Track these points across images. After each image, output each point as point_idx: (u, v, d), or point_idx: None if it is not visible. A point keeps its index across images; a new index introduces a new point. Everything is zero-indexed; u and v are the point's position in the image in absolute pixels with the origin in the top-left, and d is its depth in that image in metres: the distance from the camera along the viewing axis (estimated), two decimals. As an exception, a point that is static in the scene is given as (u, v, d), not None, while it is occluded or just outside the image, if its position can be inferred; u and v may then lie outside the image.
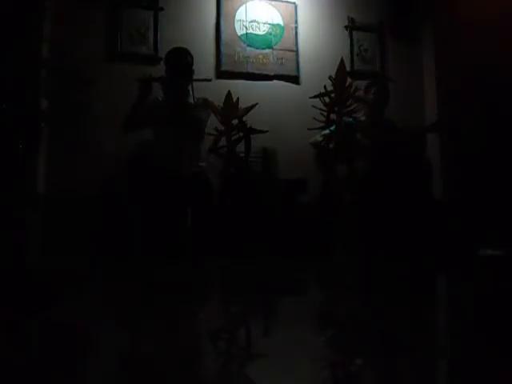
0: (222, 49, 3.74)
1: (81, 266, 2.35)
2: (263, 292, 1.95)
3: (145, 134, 3.03)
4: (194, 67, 3.01)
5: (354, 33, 4.11)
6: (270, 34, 3.87)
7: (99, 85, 3.14)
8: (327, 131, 3.27)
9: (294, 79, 3.90)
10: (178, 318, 1.46)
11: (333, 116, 3.26)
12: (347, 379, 0.93)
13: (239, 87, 3.58)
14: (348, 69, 3.68)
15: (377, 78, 3.86)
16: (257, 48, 3.83)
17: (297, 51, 3.91)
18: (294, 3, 3.97)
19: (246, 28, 3.82)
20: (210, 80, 3.11)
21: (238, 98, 3.25)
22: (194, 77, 2.99)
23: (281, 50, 3.88)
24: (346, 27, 4.10)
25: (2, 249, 2.38)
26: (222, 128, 3.23)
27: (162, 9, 3.64)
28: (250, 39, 3.82)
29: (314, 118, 3.23)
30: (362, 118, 3.35)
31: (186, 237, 2.82)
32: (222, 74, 3.71)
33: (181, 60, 2.95)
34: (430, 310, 1.67)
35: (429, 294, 2.00)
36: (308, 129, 3.26)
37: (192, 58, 3.00)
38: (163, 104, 2.94)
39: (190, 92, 2.98)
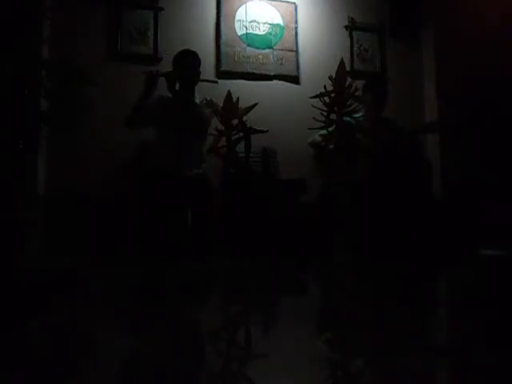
0: (222, 49, 3.74)
1: (81, 266, 2.35)
2: (263, 292, 1.95)
3: (145, 133, 3.03)
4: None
5: (354, 33, 4.11)
6: (270, 33, 3.87)
7: (99, 85, 3.13)
8: (325, 131, 3.27)
9: (294, 79, 3.90)
10: (178, 317, 1.46)
11: (333, 116, 3.26)
12: (347, 379, 0.93)
13: (239, 87, 3.58)
14: (348, 69, 3.68)
15: (375, 77, 3.87)
16: (257, 48, 3.83)
17: (297, 51, 3.91)
18: (294, 3, 3.97)
19: (246, 28, 3.82)
20: (216, 82, 3.17)
21: (238, 98, 3.25)
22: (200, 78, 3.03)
23: (281, 50, 3.88)
24: (346, 27, 4.10)
25: (2, 249, 2.38)
26: (222, 128, 3.23)
27: (161, 9, 3.64)
28: (249, 39, 3.82)
29: (314, 118, 3.23)
30: (362, 118, 3.35)
31: (187, 237, 2.82)
32: (222, 74, 3.71)
33: (192, 61, 2.99)
34: (430, 310, 1.67)
35: (428, 293, 2.00)
36: (308, 129, 3.26)
37: (200, 61, 3.03)
38: (169, 103, 2.94)
39: (195, 92, 3.01)
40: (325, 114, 3.26)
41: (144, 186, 2.76)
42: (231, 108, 3.22)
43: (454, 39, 3.93)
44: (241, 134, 3.22)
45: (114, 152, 3.23)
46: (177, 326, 1.33)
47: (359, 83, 3.40)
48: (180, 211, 2.90)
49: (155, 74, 2.83)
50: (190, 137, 2.91)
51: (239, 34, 3.80)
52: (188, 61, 2.98)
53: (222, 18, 3.77)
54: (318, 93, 3.29)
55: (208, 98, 3.09)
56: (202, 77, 3.04)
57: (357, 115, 3.30)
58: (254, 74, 3.79)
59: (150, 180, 2.77)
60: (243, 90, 3.54)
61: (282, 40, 3.89)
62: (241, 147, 3.22)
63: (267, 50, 3.85)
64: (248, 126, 3.18)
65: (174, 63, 3.03)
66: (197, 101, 3.02)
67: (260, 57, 3.82)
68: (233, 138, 3.23)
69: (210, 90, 3.18)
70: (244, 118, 3.20)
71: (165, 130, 2.94)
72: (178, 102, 2.95)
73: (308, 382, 0.88)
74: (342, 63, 3.37)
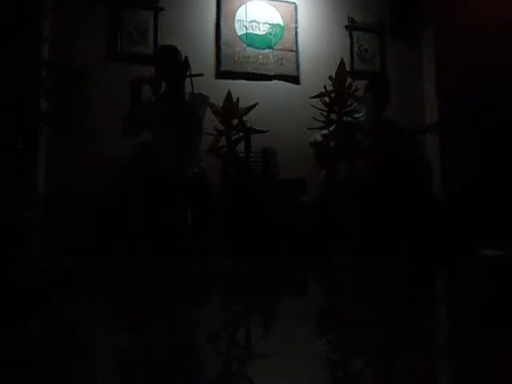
0: (222, 49, 3.74)
1: (81, 266, 2.35)
2: (263, 292, 1.95)
3: (145, 134, 3.03)
4: (190, 65, 2.86)
5: (354, 33, 4.11)
6: (270, 33, 3.87)
7: (99, 85, 3.13)
8: (326, 131, 3.28)
9: (294, 79, 3.90)
10: (178, 317, 1.46)
11: (333, 116, 3.27)
12: (347, 379, 0.93)
13: (239, 87, 3.58)
14: (348, 69, 3.69)
15: (377, 77, 3.87)
16: (257, 48, 3.83)
17: (297, 51, 3.91)
18: (294, 3, 3.97)
19: (246, 28, 3.82)
20: (202, 75, 3.00)
21: (238, 98, 3.25)
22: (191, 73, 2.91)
23: (281, 50, 3.88)
24: (346, 27, 4.11)
25: (2, 249, 2.38)
26: (222, 128, 3.23)
27: (162, 9, 3.64)
28: (249, 39, 3.82)
29: (314, 118, 3.23)
30: (362, 118, 3.35)
31: (187, 237, 2.82)
32: (222, 74, 3.71)
33: (169, 58, 2.87)
34: (430, 309, 1.67)
35: (428, 293, 2.00)
36: (308, 129, 3.26)
37: (181, 54, 2.89)
38: (157, 104, 2.91)
39: (186, 89, 2.93)
40: (325, 113, 3.26)
41: (144, 185, 2.75)
42: (231, 108, 3.22)
43: (454, 39, 3.93)
44: (241, 134, 3.22)
45: (114, 152, 3.23)
46: (177, 326, 1.33)
47: (359, 83, 3.40)
48: (180, 211, 2.90)
49: (138, 82, 2.76)
50: (184, 136, 2.88)
51: (239, 33, 3.80)
52: (168, 58, 2.87)
53: (222, 18, 3.77)
54: (318, 93, 3.29)
55: (199, 93, 2.93)
56: (192, 71, 2.92)
57: (357, 115, 3.31)
58: (254, 74, 3.79)
59: (150, 180, 2.77)
60: (243, 89, 3.54)
61: (282, 40, 3.89)
62: (241, 147, 3.22)
63: (267, 50, 3.85)
64: (248, 126, 3.18)
65: (154, 62, 2.94)
66: (187, 97, 2.92)
67: (260, 57, 3.82)
68: (233, 138, 3.24)
69: (211, 91, 3.17)
70: (244, 118, 3.20)
71: (159, 131, 2.92)
72: (167, 102, 2.92)
73: (308, 382, 0.88)
74: (341, 63, 3.37)
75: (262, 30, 3.86)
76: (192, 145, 2.96)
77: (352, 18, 4.11)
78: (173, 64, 2.87)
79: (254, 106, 3.24)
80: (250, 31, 3.84)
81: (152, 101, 2.90)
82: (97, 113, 3.07)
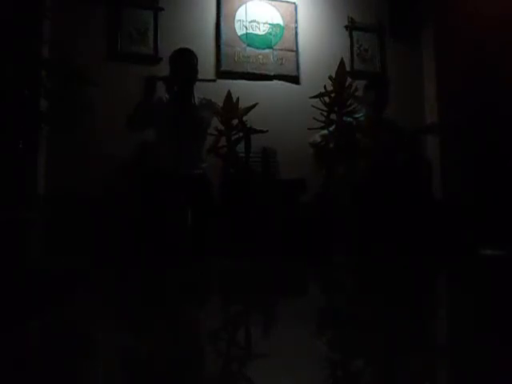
0: (222, 49, 3.74)
1: (81, 266, 2.35)
2: (263, 292, 1.95)
3: (146, 134, 3.03)
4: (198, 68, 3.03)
5: (354, 33, 4.11)
6: (270, 33, 3.87)
7: (99, 85, 3.13)
8: (326, 131, 3.28)
9: (294, 79, 3.90)
10: (178, 317, 1.46)
11: (333, 116, 3.26)
12: (347, 379, 0.93)
13: (239, 87, 3.57)
14: (348, 69, 3.68)
15: (376, 77, 3.87)
16: (257, 48, 3.83)
17: (297, 51, 3.91)
18: (294, 3, 3.97)
19: (246, 28, 3.82)
20: (214, 80, 3.13)
21: (237, 98, 3.25)
22: (198, 77, 3.02)
23: (281, 50, 3.88)
24: (346, 27, 4.10)
25: (2, 249, 2.38)
26: (222, 128, 3.23)
27: (162, 9, 3.64)
28: (249, 39, 3.82)
29: (314, 118, 3.23)
30: (362, 118, 3.35)
31: (187, 237, 2.82)
32: (222, 74, 3.71)
33: (187, 60, 2.98)
34: (430, 310, 1.67)
35: (429, 293, 2.00)
36: (308, 129, 3.25)
37: (197, 59, 3.02)
38: (167, 104, 2.95)
39: (194, 92, 3.01)
40: (325, 113, 3.26)
41: (144, 186, 2.75)
42: (231, 108, 3.22)
43: (453, 39, 3.93)
44: (241, 134, 3.21)
45: (114, 152, 3.23)
46: (177, 326, 1.33)
47: (359, 83, 3.40)
48: (180, 211, 2.90)
49: (153, 79, 2.83)
50: (189, 138, 2.91)
51: (239, 34, 3.80)
52: (186, 60, 2.98)
53: (222, 18, 3.77)
54: (318, 93, 3.29)
55: (207, 98, 3.08)
56: (200, 75, 3.03)
57: (357, 115, 3.30)
58: (254, 73, 3.79)
59: (149, 180, 2.77)
60: (243, 89, 3.54)
61: (282, 40, 3.89)
62: (241, 147, 3.22)
63: (267, 50, 3.85)
64: (248, 126, 3.18)
65: (171, 63, 3.02)
66: (196, 101, 3.01)
67: (260, 57, 3.82)
68: (233, 138, 3.23)
69: (211, 90, 3.18)
70: (244, 118, 3.20)
71: (164, 130, 2.94)
72: (176, 103, 2.95)
73: (308, 382, 0.88)
74: (341, 63, 3.37)
75: (261, 30, 3.86)
76: (195, 148, 2.99)
77: (352, 18, 4.11)
78: (189, 66, 2.96)
79: (253, 106, 3.24)
80: (250, 31, 3.84)
81: (163, 100, 2.93)
82: (97, 113, 3.07)
